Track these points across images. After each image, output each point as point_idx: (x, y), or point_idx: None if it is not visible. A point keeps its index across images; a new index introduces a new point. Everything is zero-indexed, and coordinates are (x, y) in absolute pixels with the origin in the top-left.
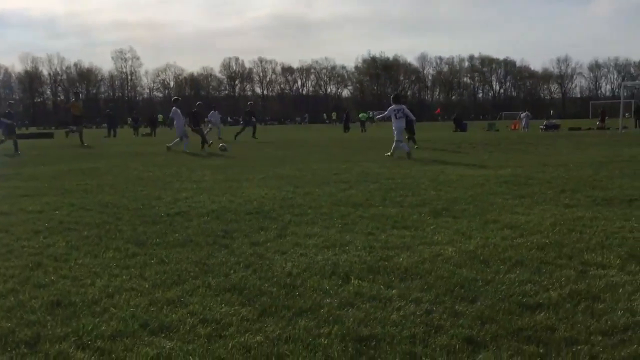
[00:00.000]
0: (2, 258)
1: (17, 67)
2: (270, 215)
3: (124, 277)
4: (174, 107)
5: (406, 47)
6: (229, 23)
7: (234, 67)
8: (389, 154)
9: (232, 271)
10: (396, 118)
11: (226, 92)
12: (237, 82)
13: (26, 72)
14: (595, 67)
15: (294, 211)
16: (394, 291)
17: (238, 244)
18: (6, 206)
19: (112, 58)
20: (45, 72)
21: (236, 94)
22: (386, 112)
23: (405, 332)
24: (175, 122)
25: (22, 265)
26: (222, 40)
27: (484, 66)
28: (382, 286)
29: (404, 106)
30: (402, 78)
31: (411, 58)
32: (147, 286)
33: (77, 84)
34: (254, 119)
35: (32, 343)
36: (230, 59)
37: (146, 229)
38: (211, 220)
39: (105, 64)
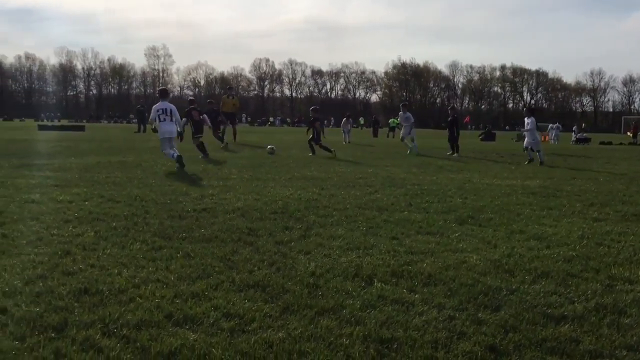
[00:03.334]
0: (33, 245)
1: (52, 60)
2: (294, 215)
3: (150, 268)
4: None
5: (437, 54)
6: (262, 25)
7: (264, 68)
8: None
9: (256, 268)
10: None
11: (255, 92)
12: (266, 83)
13: (60, 65)
14: (629, 81)
15: (319, 212)
16: (416, 296)
17: (262, 242)
18: (38, 195)
19: (145, 55)
20: (79, 66)
21: (265, 95)
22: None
23: (427, 336)
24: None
25: (51, 253)
26: (253, 41)
27: (516, 76)
28: (405, 290)
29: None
30: (431, 85)
31: (442, 65)
32: (172, 279)
33: (110, 79)
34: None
35: (59, 328)
36: (260, 59)
37: (173, 223)
38: (236, 218)
39: (138, 61)
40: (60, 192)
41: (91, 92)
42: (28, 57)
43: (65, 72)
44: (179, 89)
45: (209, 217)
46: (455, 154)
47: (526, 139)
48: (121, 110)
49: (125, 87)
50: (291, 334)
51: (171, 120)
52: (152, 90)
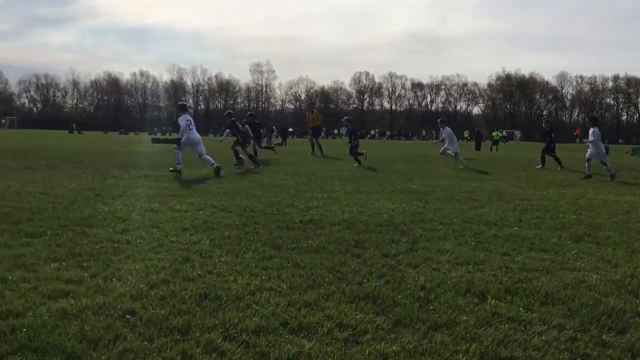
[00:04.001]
0: (154, 251)
1: (165, 76)
2: (400, 228)
3: (263, 277)
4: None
5: (543, 64)
6: (363, 39)
7: (364, 82)
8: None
9: (365, 280)
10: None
11: (355, 105)
12: (366, 96)
13: (172, 81)
14: None
15: (425, 226)
16: (534, 314)
17: (370, 255)
18: (156, 204)
19: (250, 70)
20: (189, 82)
21: (364, 108)
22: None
23: (549, 357)
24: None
25: (171, 259)
26: (354, 55)
27: (630, 87)
28: (521, 308)
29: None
30: (537, 97)
31: (549, 76)
32: (284, 287)
33: (217, 94)
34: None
35: (184, 331)
36: (360, 73)
37: (281, 234)
38: (342, 230)
39: (242, 76)
40: (177, 201)
41: (199, 107)
42: (142, 74)
43: (176, 88)
44: (280, 103)
45: (315, 229)
46: (542, 167)
47: (589, 151)
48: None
49: (231, 102)
50: (405, 347)
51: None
52: (255, 105)
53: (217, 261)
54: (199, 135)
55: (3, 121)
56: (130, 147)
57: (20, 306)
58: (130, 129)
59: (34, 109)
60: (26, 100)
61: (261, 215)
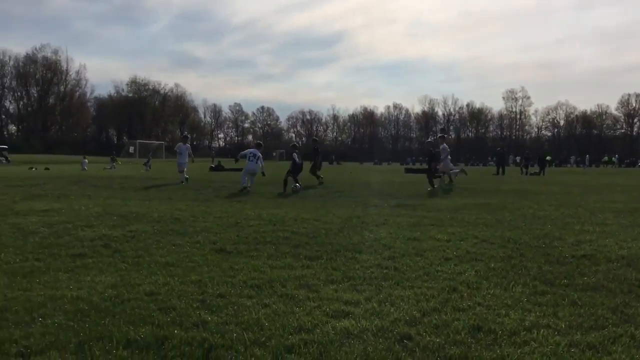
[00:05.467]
0: (421, 279)
1: (416, 108)
2: None
3: (537, 313)
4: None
5: None
6: (630, 59)
7: (634, 104)
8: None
9: None
10: None
11: (622, 130)
12: (636, 120)
13: (423, 112)
14: None
15: None
16: None
17: None
18: (418, 233)
19: (503, 98)
20: (439, 113)
21: (633, 133)
22: None
23: None
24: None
25: (439, 288)
26: (621, 77)
27: None
28: None
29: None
30: None
31: None
32: (562, 326)
33: (467, 123)
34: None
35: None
36: (629, 95)
37: (552, 269)
38: (622, 267)
39: (495, 104)
40: (437, 231)
41: (450, 136)
42: (396, 106)
43: (427, 119)
44: (536, 130)
45: (589, 265)
46: None
47: None
48: (478, 152)
49: (482, 130)
50: None
51: (256, 162)
52: (508, 133)
53: (485, 293)
54: (254, 167)
55: (274, 154)
56: (385, 176)
57: (309, 323)
58: (383, 159)
59: (300, 142)
60: (293, 135)
61: (527, 247)
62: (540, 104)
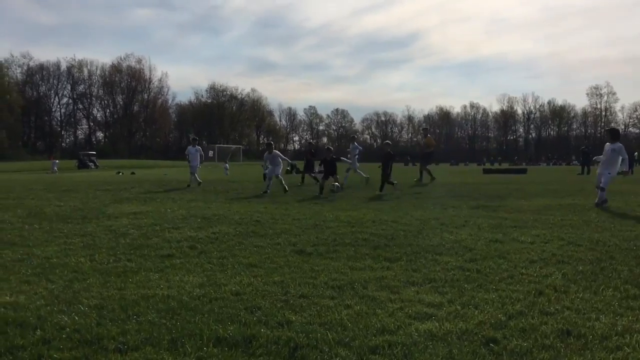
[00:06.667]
0: (505, 282)
1: (494, 107)
2: None
3: (629, 317)
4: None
5: None
6: None
7: None
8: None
9: None
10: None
11: None
12: None
13: (502, 111)
14: None
15: None
16: None
17: None
18: (500, 235)
19: (587, 95)
20: (519, 111)
21: None
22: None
23: None
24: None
25: (524, 291)
26: None
27: None
28: None
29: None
30: None
31: None
32: None
33: (549, 121)
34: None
35: None
36: None
37: None
38: None
39: (578, 101)
40: (520, 233)
41: (530, 135)
42: (472, 105)
43: (506, 118)
44: (623, 126)
45: None
46: None
47: None
48: (560, 151)
49: (565, 128)
50: None
51: (276, 165)
52: (593, 130)
53: (573, 297)
54: (276, 170)
55: (349, 155)
56: (463, 177)
57: (392, 324)
58: (459, 160)
59: (374, 144)
60: (368, 137)
61: (616, 250)
62: (627, 100)
